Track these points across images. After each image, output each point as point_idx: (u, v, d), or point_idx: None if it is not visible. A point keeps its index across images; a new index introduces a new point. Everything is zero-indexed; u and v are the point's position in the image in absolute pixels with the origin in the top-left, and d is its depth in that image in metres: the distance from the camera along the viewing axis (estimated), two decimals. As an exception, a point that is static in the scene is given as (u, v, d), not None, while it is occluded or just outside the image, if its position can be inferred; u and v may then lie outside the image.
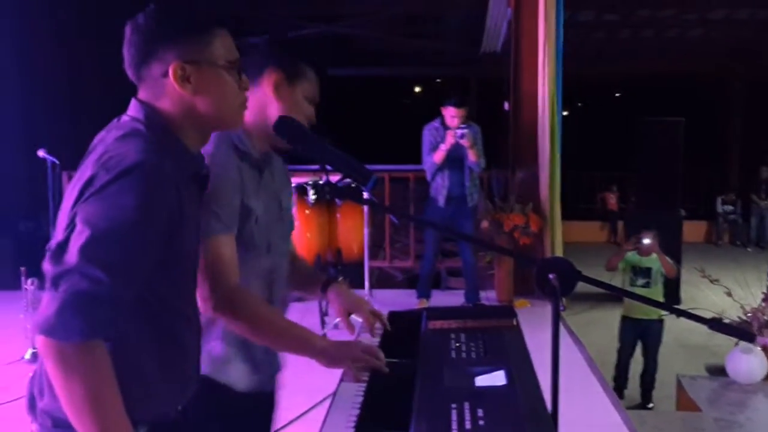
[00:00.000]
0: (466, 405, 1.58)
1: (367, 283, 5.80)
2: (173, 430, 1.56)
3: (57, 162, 5.58)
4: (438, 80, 17.41)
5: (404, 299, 6.48)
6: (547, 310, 6.31)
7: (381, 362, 1.78)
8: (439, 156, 5.91)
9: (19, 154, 7.12)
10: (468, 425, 1.50)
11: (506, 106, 7.01)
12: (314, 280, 2.16)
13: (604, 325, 6.80)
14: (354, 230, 5.67)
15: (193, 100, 1.51)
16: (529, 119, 6.78)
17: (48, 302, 1.28)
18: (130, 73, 1.52)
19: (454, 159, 5.96)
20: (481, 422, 1.51)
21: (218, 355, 1.85)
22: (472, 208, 6.19)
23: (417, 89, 18.47)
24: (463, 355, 1.93)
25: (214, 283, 1.71)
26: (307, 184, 5.59)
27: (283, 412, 2.24)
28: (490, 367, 1.80)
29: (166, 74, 1.48)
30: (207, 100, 1.52)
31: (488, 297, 6.72)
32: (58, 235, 1.36)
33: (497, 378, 1.74)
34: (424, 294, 6.38)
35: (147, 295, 1.43)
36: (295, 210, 5.61)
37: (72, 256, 1.29)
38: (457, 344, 2.00)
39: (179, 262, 1.49)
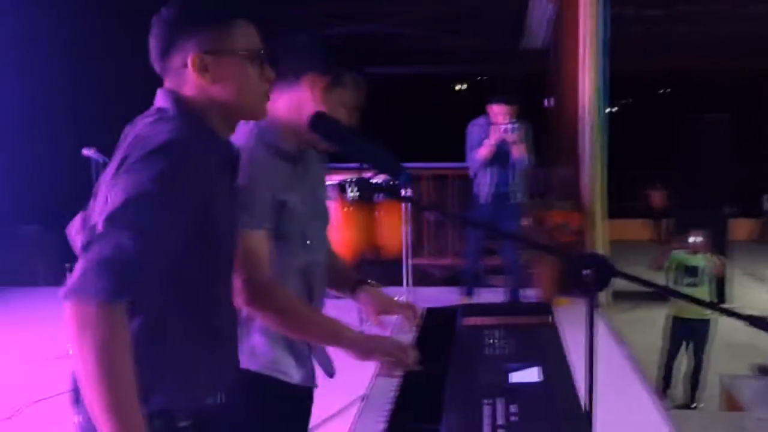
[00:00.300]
0: (500, 401, 1.57)
1: (406, 281, 5.79)
2: (215, 422, 1.57)
3: (101, 161, 5.67)
4: (479, 78, 17.33)
5: (445, 296, 6.47)
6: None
7: (412, 359, 1.78)
8: (484, 152, 5.84)
9: (67, 152, 7.26)
10: (500, 421, 1.49)
11: (546, 102, 6.93)
12: (347, 280, 2.16)
13: (648, 324, 6.70)
14: (393, 227, 5.67)
15: (213, 89, 1.53)
16: (571, 116, 6.71)
17: (75, 270, 1.29)
18: (155, 65, 1.56)
19: (499, 156, 5.88)
20: (513, 418, 1.50)
21: (261, 350, 1.86)
22: (516, 206, 6.11)
23: (456, 87, 18.39)
24: (498, 351, 1.92)
25: (245, 277, 1.73)
26: (346, 181, 5.60)
27: (321, 410, 2.25)
28: (525, 364, 1.79)
29: (186, 65, 1.51)
30: (226, 89, 1.54)
31: (530, 295, 6.67)
32: (93, 217, 1.40)
33: (532, 375, 1.73)
34: (466, 291, 6.33)
35: (182, 280, 1.45)
36: (334, 207, 5.64)
37: (100, 225, 1.31)
38: (492, 341, 1.99)
39: (212, 246, 1.49)
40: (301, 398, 1.96)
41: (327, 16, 11.86)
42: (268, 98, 1.63)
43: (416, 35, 12.97)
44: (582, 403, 1.59)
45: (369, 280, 2.15)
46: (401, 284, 5.89)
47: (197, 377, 1.51)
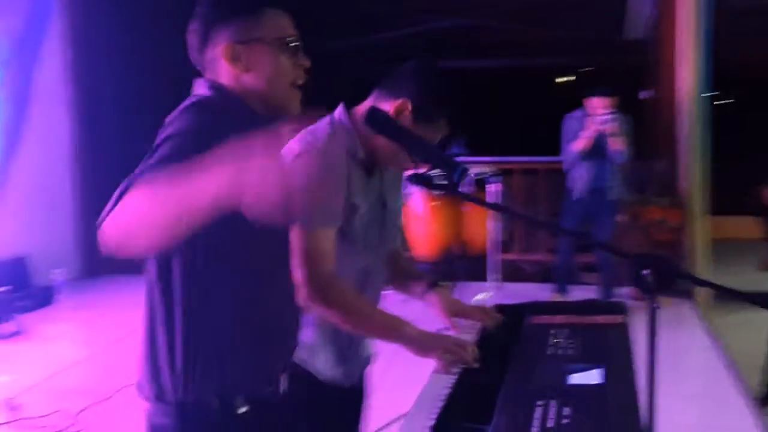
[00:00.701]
0: (553, 403, 1.52)
1: (491, 276, 5.72)
2: (273, 411, 1.58)
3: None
4: (577, 70, 16.92)
5: (535, 293, 6.34)
6: (686, 310, 6.01)
7: (471, 357, 1.74)
8: (580, 144, 5.64)
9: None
10: (550, 423, 1.44)
11: (643, 94, 6.68)
12: (417, 282, 2.14)
13: (753, 328, 6.37)
14: (481, 222, 5.61)
15: (245, 78, 1.55)
16: (669, 108, 6.45)
17: None
18: (193, 59, 1.60)
19: (596, 149, 5.67)
20: (564, 421, 1.45)
21: (309, 342, 1.88)
22: (612, 201, 5.86)
23: (559, 80, 18.03)
24: (561, 351, 1.86)
25: (309, 273, 1.74)
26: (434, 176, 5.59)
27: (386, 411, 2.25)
28: (587, 365, 1.73)
29: (219, 56, 1.54)
30: (257, 77, 1.56)
31: (624, 294, 6.45)
32: None
33: (592, 377, 1.67)
34: (560, 288, 6.15)
35: (232, 256, 1.47)
36: (421, 202, 5.63)
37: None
38: (557, 340, 1.94)
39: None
40: (339, 395, 1.96)
41: (421, 11, 11.84)
42: (299, 88, 1.62)
43: (513, 28, 12.79)
44: (640, 408, 1.52)
45: (440, 283, 2.13)
46: (485, 280, 5.83)
47: (250, 358, 1.53)
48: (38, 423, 3.88)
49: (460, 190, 1.72)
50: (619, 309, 2.11)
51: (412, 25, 11.83)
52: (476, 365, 1.75)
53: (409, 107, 1.83)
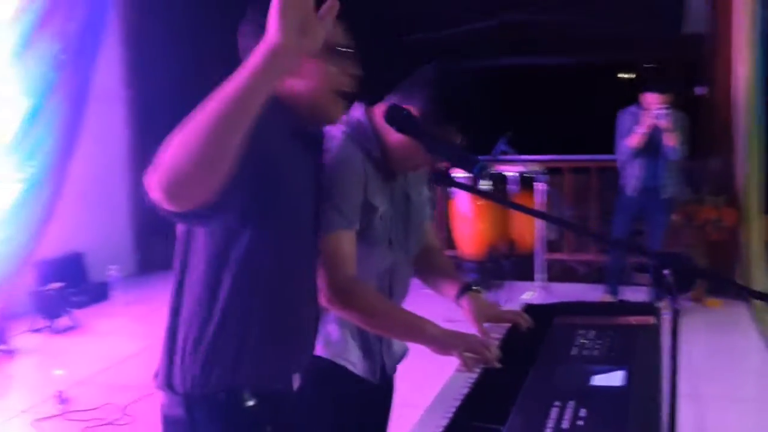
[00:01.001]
0: (570, 404, 1.50)
1: (538, 276, 5.65)
2: (285, 406, 1.60)
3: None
4: (634, 66, 16.61)
5: (584, 293, 6.25)
6: (740, 311, 5.85)
7: (494, 356, 1.73)
8: (634, 140, 5.51)
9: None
10: (565, 425, 1.43)
11: (699, 91, 6.51)
12: (450, 282, 2.12)
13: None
14: (528, 221, 5.55)
15: (291, 83, 1.56)
16: (726, 105, 6.27)
17: None
18: (243, 60, 1.59)
19: (650, 146, 5.53)
20: (579, 422, 1.43)
21: (335, 339, 1.89)
22: (665, 200, 5.70)
23: (612, 76, 17.70)
24: (586, 352, 1.84)
25: (329, 276, 1.74)
26: (479, 174, 5.55)
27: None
28: (611, 367, 1.70)
29: None
30: (301, 83, 1.57)
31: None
32: None
33: (614, 378, 1.64)
34: (609, 289, 6.00)
35: (257, 263, 1.48)
36: (467, 201, 5.60)
37: None
38: (583, 341, 1.91)
39: (281, 213, 1.51)
40: (369, 390, 1.96)
41: (477, 9, 11.76)
42: (343, 98, 1.63)
43: (568, 23, 12.60)
44: (661, 411, 1.49)
45: (474, 287, 2.11)
46: (532, 279, 5.77)
47: (267, 360, 1.54)
48: (87, 416, 3.99)
49: (479, 187, 1.72)
50: (650, 310, 2.06)
51: (463, 24, 11.76)
52: (498, 365, 1.73)
53: (418, 114, 1.79)
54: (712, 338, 5.33)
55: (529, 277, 5.85)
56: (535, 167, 5.90)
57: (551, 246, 7.03)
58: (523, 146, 5.65)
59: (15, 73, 5.27)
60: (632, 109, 5.63)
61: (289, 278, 1.58)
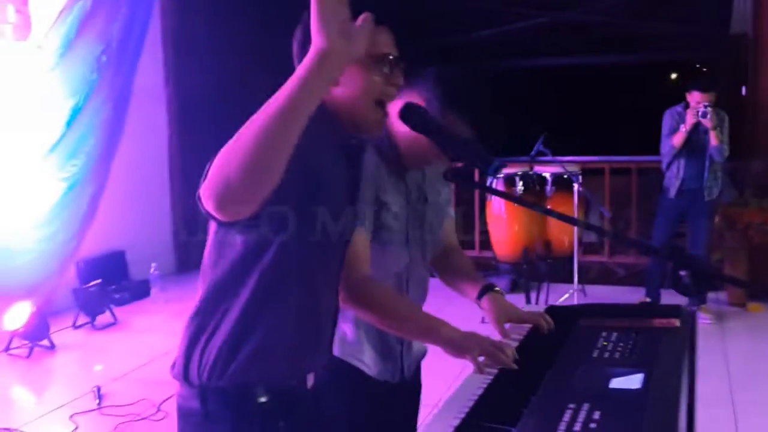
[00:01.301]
0: (585, 406, 1.48)
1: (575, 278, 5.59)
2: (298, 405, 1.60)
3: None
4: (681, 66, 16.33)
5: (622, 296, 6.17)
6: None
7: (509, 358, 1.72)
8: (678, 139, 5.38)
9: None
10: (577, 427, 1.41)
11: (744, 90, 6.37)
12: (471, 283, 2.11)
13: None
14: (564, 222, 5.48)
15: (335, 91, 1.57)
16: (769, 105, 6.13)
17: None
18: (295, 66, 1.60)
19: (694, 147, 5.41)
20: (592, 425, 1.41)
21: (350, 339, 1.90)
22: (709, 203, 5.57)
23: (673, 75, 17.42)
24: (607, 354, 1.81)
25: (344, 275, 1.74)
26: (515, 174, 5.51)
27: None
28: (630, 369, 1.68)
29: None
30: (345, 91, 1.58)
31: (718, 298, 6.19)
32: None
33: (633, 381, 1.62)
34: (651, 293, 5.86)
35: (285, 255, 1.48)
36: (502, 202, 5.56)
37: None
38: (605, 343, 1.88)
39: (314, 222, 1.51)
40: (389, 390, 1.96)
41: (521, 6, 11.68)
42: (387, 101, 1.63)
43: (615, 22, 12.44)
44: (678, 415, 1.46)
45: (496, 288, 2.09)
46: (571, 281, 5.70)
47: (282, 358, 1.55)
48: (122, 411, 4.06)
49: (496, 187, 1.70)
50: (676, 312, 2.03)
51: (509, 23, 11.68)
52: (514, 367, 1.72)
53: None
54: (754, 343, 5.22)
55: (566, 279, 5.78)
56: (574, 168, 5.83)
57: (589, 248, 6.95)
58: (555, 147, 5.56)
59: (58, 74, 5.38)
60: (677, 108, 5.52)
61: (312, 283, 1.58)
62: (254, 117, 1.23)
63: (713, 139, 5.31)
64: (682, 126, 5.37)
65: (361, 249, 1.78)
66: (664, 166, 5.61)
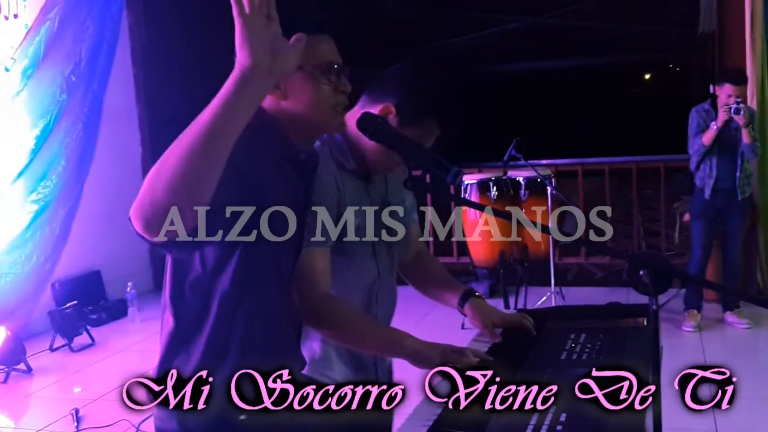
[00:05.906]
0: (552, 409, 1.49)
1: (552, 281, 5.60)
2: (279, 420, 1.58)
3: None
4: (652, 66, 16.53)
5: (600, 298, 6.15)
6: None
7: (471, 362, 1.71)
8: (708, 136, 5.08)
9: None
10: (544, 430, 1.41)
11: (712, 89, 6.39)
12: (450, 291, 2.11)
13: None
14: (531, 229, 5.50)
15: (284, 104, 1.58)
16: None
17: None
18: None
19: (725, 145, 5.14)
20: (558, 428, 1.42)
21: (318, 356, 1.88)
22: (742, 202, 5.32)
23: (647, 76, 17.60)
24: (575, 356, 1.83)
25: (302, 293, 1.73)
26: (489, 180, 5.52)
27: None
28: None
29: None
30: (297, 104, 1.58)
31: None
32: None
33: (599, 382, 1.62)
34: (692, 303, 5.45)
35: (249, 275, 1.49)
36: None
37: None
38: (573, 345, 1.90)
39: (263, 239, 1.50)
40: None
41: (495, 13, 11.77)
42: (343, 111, 1.64)
43: (586, 26, 12.57)
44: (643, 415, 1.46)
45: (476, 293, 2.10)
46: (548, 284, 5.71)
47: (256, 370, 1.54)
48: (100, 432, 4.02)
49: (459, 193, 1.70)
50: (642, 312, 2.04)
51: (482, 29, 11.76)
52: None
53: (393, 110, 1.79)
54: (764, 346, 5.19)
55: (544, 282, 5.80)
56: (547, 171, 5.86)
57: (566, 250, 6.98)
58: (526, 151, 5.52)
59: (24, 98, 5.34)
60: (704, 105, 5.25)
61: (269, 300, 1.58)
62: (181, 136, 1.21)
63: (745, 137, 5.04)
64: (712, 123, 5.07)
65: (320, 266, 1.75)
66: (692, 165, 5.33)
